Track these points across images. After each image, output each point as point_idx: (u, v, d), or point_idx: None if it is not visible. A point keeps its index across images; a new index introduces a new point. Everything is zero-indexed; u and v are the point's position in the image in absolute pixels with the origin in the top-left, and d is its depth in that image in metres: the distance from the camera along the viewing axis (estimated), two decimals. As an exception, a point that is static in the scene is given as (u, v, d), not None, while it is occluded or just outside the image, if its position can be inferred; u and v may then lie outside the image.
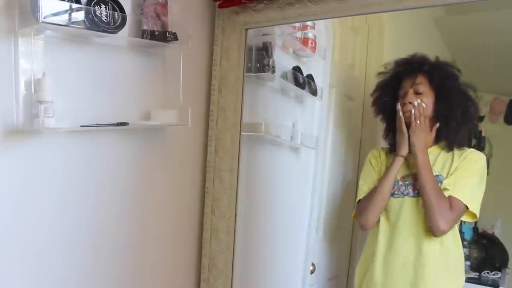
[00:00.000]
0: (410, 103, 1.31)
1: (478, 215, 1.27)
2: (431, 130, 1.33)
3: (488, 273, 1.69)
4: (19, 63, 0.92)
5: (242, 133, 1.34)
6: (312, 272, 1.71)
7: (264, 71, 1.38)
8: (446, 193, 1.27)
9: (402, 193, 1.35)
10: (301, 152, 1.71)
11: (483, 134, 1.80)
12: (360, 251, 1.83)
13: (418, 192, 1.31)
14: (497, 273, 1.68)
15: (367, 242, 1.45)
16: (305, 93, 1.61)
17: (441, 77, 1.32)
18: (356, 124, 1.81)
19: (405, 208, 1.34)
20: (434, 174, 1.30)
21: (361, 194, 1.41)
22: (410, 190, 1.34)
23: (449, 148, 1.32)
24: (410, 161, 1.34)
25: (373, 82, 1.72)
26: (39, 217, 1.00)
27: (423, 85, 1.32)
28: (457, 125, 1.31)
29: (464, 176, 1.29)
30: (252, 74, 1.37)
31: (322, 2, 1.15)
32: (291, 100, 1.64)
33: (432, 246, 1.29)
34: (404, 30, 1.73)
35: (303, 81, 1.57)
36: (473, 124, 1.41)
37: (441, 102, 1.31)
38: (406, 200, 1.34)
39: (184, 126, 1.20)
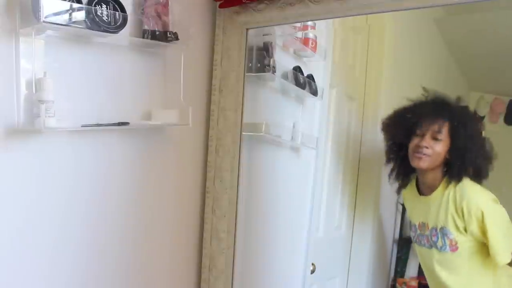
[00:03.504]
0: (426, 147, 1.36)
1: None
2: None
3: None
4: (20, 62, 0.92)
5: (243, 133, 1.34)
6: (312, 272, 1.71)
7: (264, 71, 1.38)
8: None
9: (420, 243, 1.42)
10: (302, 152, 1.71)
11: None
12: (360, 250, 1.84)
13: (431, 244, 1.37)
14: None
15: None
16: (305, 93, 1.61)
17: (461, 127, 1.37)
18: (356, 124, 1.81)
19: (425, 256, 1.42)
20: (441, 226, 1.34)
21: None
22: (425, 241, 1.40)
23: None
24: (422, 205, 1.41)
25: (373, 82, 1.73)
26: (39, 217, 1.00)
27: (441, 133, 1.37)
28: (468, 164, 1.35)
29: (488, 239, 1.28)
30: (253, 74, 1.37)
31: (322, 2, 1.15)
32: (291, 100, 1.64)
33: None
34: (404, 30, 1.73)
35: (303, 81, 1.57)
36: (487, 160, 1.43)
37: (455, 149, 1.36)
38: (424, 250, 1.41)
39: (185, 126, 1.20)
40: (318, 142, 1.70)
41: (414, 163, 1.40)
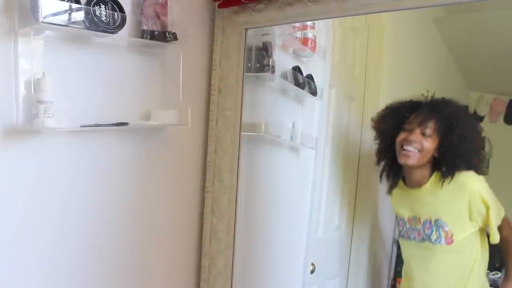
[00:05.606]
0: (414, 141, 1.33)
1: None
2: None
3: (488, 273, 1.69)
4: (18, 63, 0.92)
5: (242, 133, 1.34)
6: (312, 272, 1.71)
7: (264, 71, 1.38)
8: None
9: (409, 237, 1.38)
10: (301, 152, 1.71)
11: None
12: (360, 251, 1.84)
13: (423, 238, 1.34)
14: (497, 273, 1.68)
15: None
16: (305, 93, 1.60)
17: (454, 126, 1.33)
18: (356, 124, 1.81)
19: (413, 252, 1.39)
20: (435, 218, 1.31)
21: None
22: (416, 235, 1.36)
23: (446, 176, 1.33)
24: (411, 198, 1.38)
25: (373, 82, 1.72)
26: (38, 217, 1.00)
27: (431, 129, 1.33)
28: (459, 159, 1.31)
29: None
30: (252, 74, 1.37)
31: (322, 2, 1.14)
32: (291, 100, 1.64)
33: None
34: (404, 30, 1.73)
35: (302, 81, 1.57)
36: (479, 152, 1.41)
37: (445, 147, 1.32)
38: (413, 244, 1.38)
39: (184, 126, 1.20)
40: (318, 142, 1.70)
41: (402, 160, 1.36)
